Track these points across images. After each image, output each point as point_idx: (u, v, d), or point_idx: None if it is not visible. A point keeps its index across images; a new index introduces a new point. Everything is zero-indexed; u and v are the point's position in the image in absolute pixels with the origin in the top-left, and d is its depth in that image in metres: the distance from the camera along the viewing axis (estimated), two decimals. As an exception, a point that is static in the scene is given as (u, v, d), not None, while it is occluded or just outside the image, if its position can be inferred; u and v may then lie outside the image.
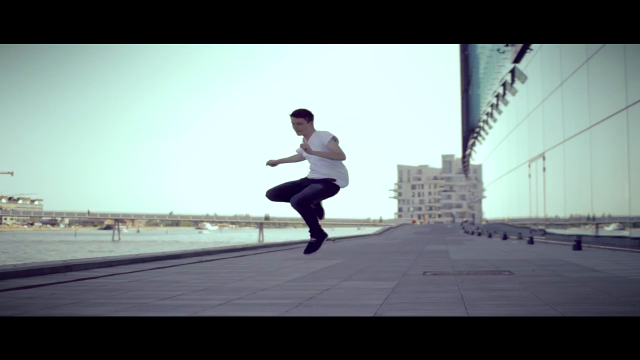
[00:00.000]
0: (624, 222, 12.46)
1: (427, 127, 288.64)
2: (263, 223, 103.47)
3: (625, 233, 12.21)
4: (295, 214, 9.50)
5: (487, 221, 39.14)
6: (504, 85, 26.12)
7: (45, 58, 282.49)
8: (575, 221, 16.15)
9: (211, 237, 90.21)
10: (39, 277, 6.75)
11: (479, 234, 31.17)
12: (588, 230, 14.84)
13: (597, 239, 13.84)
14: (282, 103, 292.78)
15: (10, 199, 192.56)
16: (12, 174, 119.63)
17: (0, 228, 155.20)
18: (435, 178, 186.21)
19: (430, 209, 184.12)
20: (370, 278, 6.55)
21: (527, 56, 21.53)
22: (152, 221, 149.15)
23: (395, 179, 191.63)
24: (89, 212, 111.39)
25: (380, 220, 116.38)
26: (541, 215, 20.18)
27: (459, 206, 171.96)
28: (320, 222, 7.19)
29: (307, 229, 7.27)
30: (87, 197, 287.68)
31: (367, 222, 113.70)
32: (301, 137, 6.61)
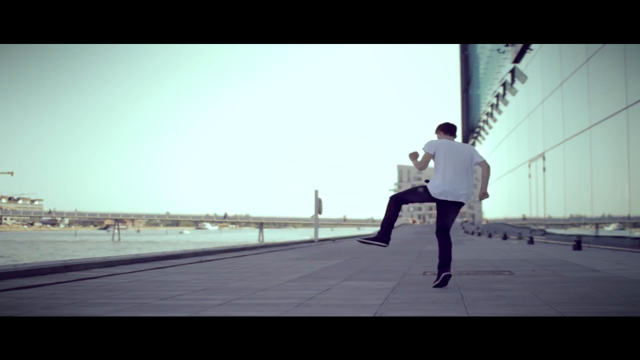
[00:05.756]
0: (624, 222, 12.46)
1: (427, 127, 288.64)
2: (263, 223, 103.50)
3: (625, 233, 12.21)
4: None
5: (487, 221, 39.12)
6: (504, 85, 26.12)
7: (45, 58, 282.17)
8: (575, 221, 16.15)
9: (190, 238, 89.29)
10: (39, 277, 6.75)
11: (479, 234, 31.15)
12: (588, 230, 14.83)
13: (597, 239, 13.84)
14: (282, 103, 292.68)
15: (10, 199, 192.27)
16: (12, 174, 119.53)
17: (0, 228, 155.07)
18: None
19: (431, 209, 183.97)
20: (370, 278, 6.55)
21: (527, 56, 21.53)
22: (152, 221, 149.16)
23: (395, 179, 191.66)
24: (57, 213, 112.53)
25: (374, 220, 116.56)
26: (541, 215, 20.17)
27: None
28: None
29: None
30: (87, 197, 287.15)
31: (367, 222, 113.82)
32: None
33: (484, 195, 5.77)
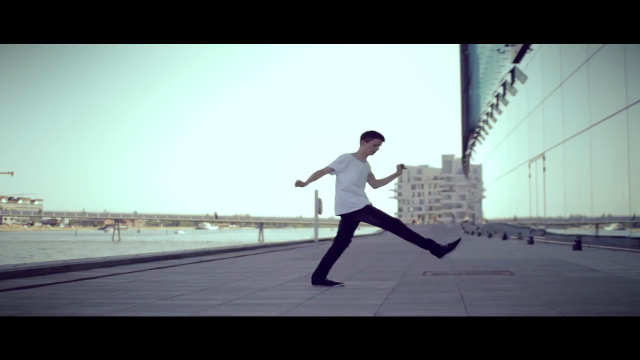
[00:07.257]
0: (624, 222, 12.46)
1: (427, 127, 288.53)
2: (263, 223, 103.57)
3: (625, 233, 12.21)
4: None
5: (487, 221, 39.13)
6: (504, 85, 26.11)
7: (45, 58, 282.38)
8: (575, 221, 16.15)
9: (184, 238, 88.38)
10: (39, 277, 6.75)
11: (479, 234, 31.17)
12: (588, 230, 14.83)
13: (597, 239, 13.84)
14: (282, 103, 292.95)
15: (10, 199, 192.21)
16: (12, 174, 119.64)
17: (0, 228, 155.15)
18: (435, 178, 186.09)
19: (430, 209, 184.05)
20: (370, 278, 6.55)
21: (527, 56, 21.52)
22: (152, 221, 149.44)
23: (395, 179, 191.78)
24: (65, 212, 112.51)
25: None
26: (541, 215, 20.18)
27: (459, 206, 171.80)
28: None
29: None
30: (87, 197, 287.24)
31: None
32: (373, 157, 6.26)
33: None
